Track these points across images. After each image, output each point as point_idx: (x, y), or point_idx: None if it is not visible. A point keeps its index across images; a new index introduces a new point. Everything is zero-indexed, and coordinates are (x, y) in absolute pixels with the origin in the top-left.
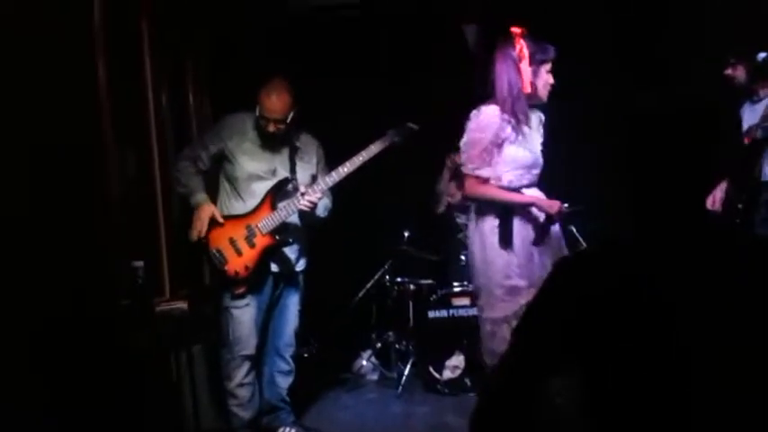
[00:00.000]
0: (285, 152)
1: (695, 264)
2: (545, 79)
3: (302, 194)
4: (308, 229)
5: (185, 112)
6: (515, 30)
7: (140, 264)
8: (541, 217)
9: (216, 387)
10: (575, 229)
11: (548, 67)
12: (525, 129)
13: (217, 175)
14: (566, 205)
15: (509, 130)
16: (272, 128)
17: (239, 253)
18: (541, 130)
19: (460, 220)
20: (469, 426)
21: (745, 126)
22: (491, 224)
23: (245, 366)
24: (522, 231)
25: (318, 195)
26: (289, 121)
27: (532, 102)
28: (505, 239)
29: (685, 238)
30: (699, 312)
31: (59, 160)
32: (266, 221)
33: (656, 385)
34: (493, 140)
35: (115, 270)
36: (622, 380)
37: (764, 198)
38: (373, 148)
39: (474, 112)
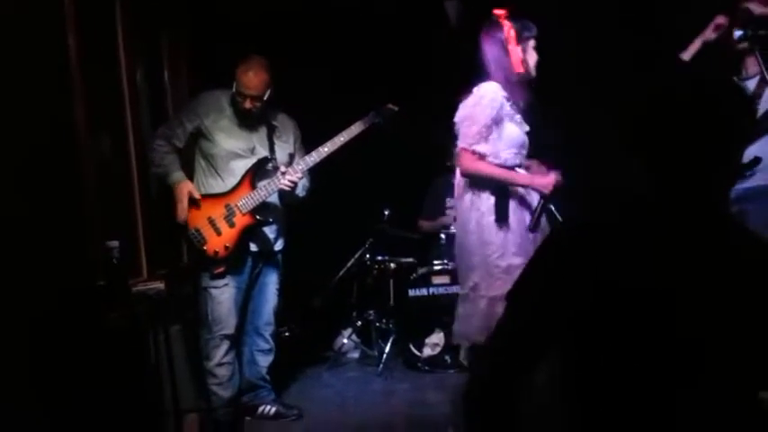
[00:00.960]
0: (263, 131)
1: (686, 242)
2: (533, 56)
3: (282, 174)
4: (287, 208)
5: (161, 90)
6: (499, 12)
7: (116, 244)
8: (536, 198)
9: (195, 367)
10: (553, 207)
11: (533, 43)
12: (519, 107)
13: (192, 152)
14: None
15: (508, 107)
16: (248, 104)
17: (218, 232)
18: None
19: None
20: (464, 402)
21: None
22: (488, 203)
23: (225, 346)
24: (517, 210)
25: (299, 175)
26: (266, 98)
27: (523, 79)
28: (502, 217)
29: (679, 214)
30: (691, 292)
31: (32, 141)
32: (246, 200)
33: (645, 363)
34: (494, 117)
35: (91, 250)
36: (612, 357)
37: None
38: (354, 129)
39: (475, 88)
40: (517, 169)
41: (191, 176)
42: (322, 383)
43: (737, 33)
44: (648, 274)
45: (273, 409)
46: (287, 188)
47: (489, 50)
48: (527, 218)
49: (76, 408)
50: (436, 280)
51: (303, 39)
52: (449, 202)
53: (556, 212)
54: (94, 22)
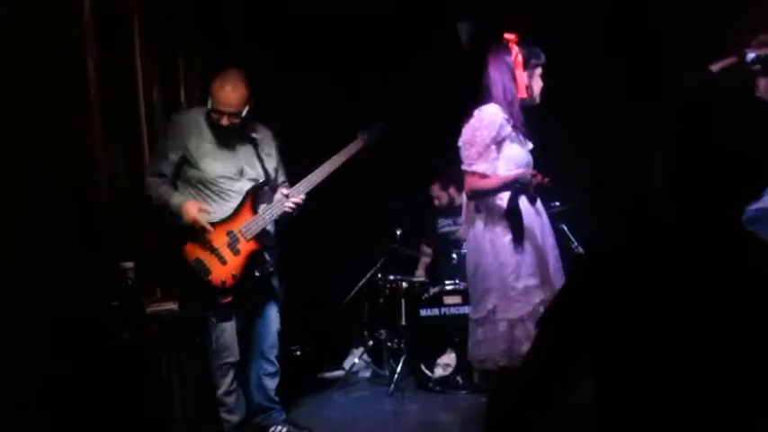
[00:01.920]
0: (247, 148)
1: (713, 262)
2: (539, 83)
3: (286, 196)
4: (281, 228)
5: (176, 108)
6: (509, 36)
7: (130, 265)
8: (546, 218)
9: (206, 388)
10: (566, 228)
11: (540, 71)
12: (521, 129)
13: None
14: (557, 203)
15: (509, 128)
16: (225, 122)
17: (223, 261)
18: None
19: (446, 226)
20: (492, 424)
21: None
22: (501, 224)
23: (231, 374)
24: (530, 231)
25: (303, 197)
26: (244, 114)
27: (526, 104)
28: (518, 238)
29: (704, 235)
30: (717, 311)
31: (48, 160)
32: (249, 226)
33: (673, 382)
34: (494, 138)
35: (105, 271)
36: (644, 380)
37: None
38: (352, 147)
39: (476, 111)
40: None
41: None
42: (333, 403)
43: (750, 56)
44: (677, 297)
45: (285, 430)
46: (291, 211)
47: (495, 73)
48: (540, 239)
49: (88, 427)
50: (448, 300)
51: (311, 51)
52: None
53: (570, 234)
54: (112, 40)
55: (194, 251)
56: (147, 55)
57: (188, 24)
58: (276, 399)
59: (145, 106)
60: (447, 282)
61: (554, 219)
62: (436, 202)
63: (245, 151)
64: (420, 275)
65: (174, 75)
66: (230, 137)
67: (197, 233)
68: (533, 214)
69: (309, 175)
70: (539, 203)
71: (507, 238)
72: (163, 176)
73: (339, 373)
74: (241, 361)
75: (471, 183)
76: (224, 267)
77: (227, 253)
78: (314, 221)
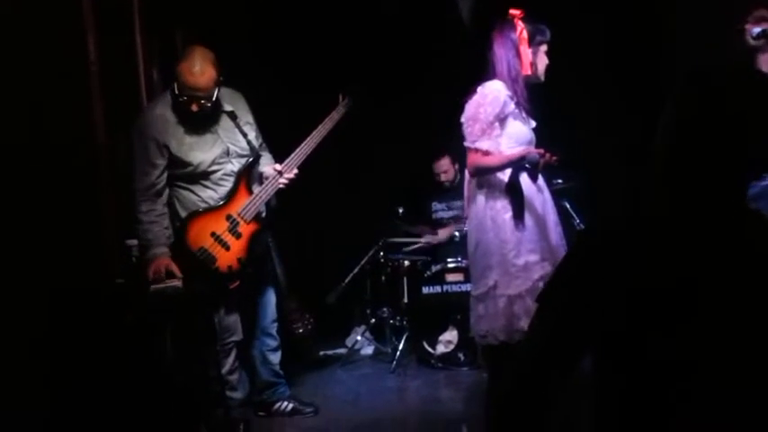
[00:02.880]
0: (226, 123)
1: (715, 242)
2: (544, 60)
3: (279, 173)
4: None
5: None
6: (515, 12)
7: (134, 242)
8: (548, 195)
9: (209, 367)
10: (568, 205)
11: (545, 48)
12: (525, 106)
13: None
14: (559, 180)
15: (512, 105)
16: (194, 107)
17: (227, 247)
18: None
19: (440, 211)
20: (495, 406)
21: None
22: (503, 201)
23: (234, 353)
24: (531, 207)
25: (296, 171)
26: (215, 98)
27: (531, 81)
28: (519, 215)
29: (704, 216)
30: (720, 293)
31: (51, 141)
32: (248, 208)
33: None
34: (498, 115)
35: (109, 249)
36: (644, 360)
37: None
38: (335, 115)
39: (480, 87)
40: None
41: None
42: (336, 380)
43: (755, 30)
44: (676, 274)
45: (290, 406)
46: (284, 187)
47: (500, 49)
48: (541, 215)
49: (92, 405)
50: (450, 277)
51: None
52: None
53: (572, 212)
54: (112, 23)
55: (197, 240)
56: (147, 36)
57: (186, 4)
58: (281, 373)
59: (146, 87)
60: (449, 260)
61: (557, 196)
62: (443, 177)
63: (225, 128)
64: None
65: (174, 56)
66: (205, 119)
67: (197, 222)
68: (535, 191)
69: (298, 149)
70: (540, 180)
71: (508, 214)
72: (157, 202)
73: (342, 350)
74: (243, 339)
75: (474, 160)
76: (229, 253)
77: (229, 238)
78: (316, 200)
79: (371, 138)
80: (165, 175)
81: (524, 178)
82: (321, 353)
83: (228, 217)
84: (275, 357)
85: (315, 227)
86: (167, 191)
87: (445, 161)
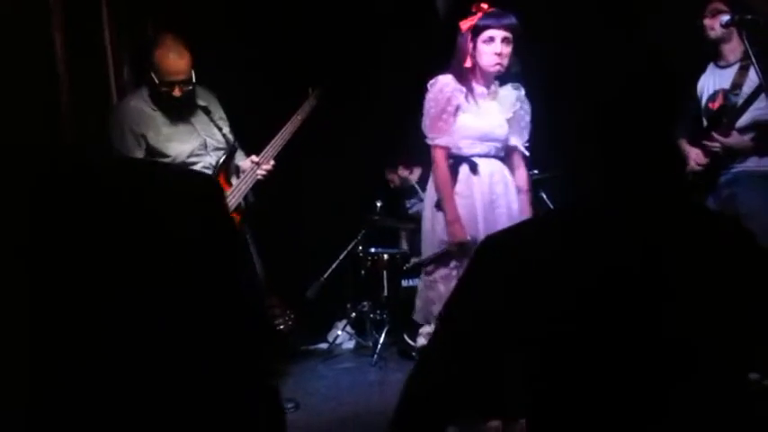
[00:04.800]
0: (200, 118)
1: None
2: (488, 52)
3: (257, 164)
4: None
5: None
6: (479, 6)
7: None
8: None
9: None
10: (545, 196)
11: (500, 35)
12: (481, 99)
13: None
14: (535, 171)
15: (462, 98)
16: (177, 92)
17: None
18: (517, 104)
19: (414, 206)
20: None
21: (711, 90)
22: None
23: None
24: (463, 199)
25: (273, 162)
26: (194, 80)
27: (483, 72)
28: (438, 204)
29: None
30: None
31: (18, 137)
32: (228, 199)
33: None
34: (444, 108)
35: None
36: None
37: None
38: (306, 106)
39: (431, 81)
40: (478, 160)
41: None
42: (317, 375)
43: (724, 18)
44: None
45: None
46: (263, 178)
47: (459, 39)
48: (479, 204)
49: None
50: None
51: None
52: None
53: (548, 201)
54: (81, 15)
55: None
56: (116, 29)
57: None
58: None
59: (115, 80)
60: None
61: (533, 186)
62: (391, 186)
63: (201, 122)
64: (404, 247)
65: (145, 48)
66: (183, 109)
67: None
68: (474, 182)
69: (273, 140)
70: (481, 169)
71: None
72: None
73: (323, 345)
74: None
75: (434, 157)
76: None
77: None
78: (294, 195)
79: (347, 131)
80: None
81: (464, 169)
82: (302, 348)
83: None
84: None
85: (293, 222)
86: None
87: (387, 172)
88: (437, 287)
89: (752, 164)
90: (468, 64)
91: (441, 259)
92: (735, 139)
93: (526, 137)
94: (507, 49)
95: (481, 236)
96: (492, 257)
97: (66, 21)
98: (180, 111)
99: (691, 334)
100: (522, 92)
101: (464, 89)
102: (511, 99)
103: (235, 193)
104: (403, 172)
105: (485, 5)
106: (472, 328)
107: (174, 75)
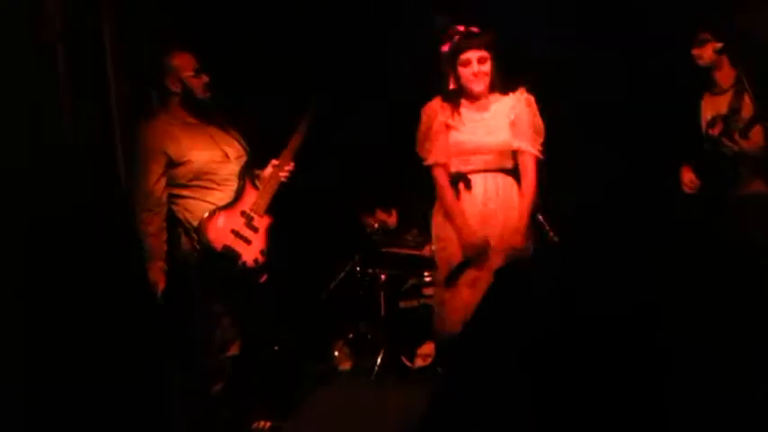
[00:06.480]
0: (215, 130)
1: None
2: (466, 72)
3: (276, 166)
4: None
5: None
6: (455, 28)
7: None
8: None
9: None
10: (542, 219)
11: (466, 59)
12: (470, 115)
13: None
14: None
15: (449, 117)
16: (205, 79)
17: (248, 241)
18: (518, 108)
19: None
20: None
21: (708, 117)
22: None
23: (230, 368)
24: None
25: (293, 163)
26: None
27: (466, 93)
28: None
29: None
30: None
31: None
32: (258, 203)
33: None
34: (430, 129)
35: None
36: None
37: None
38: (312, 111)
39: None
40: (472, 176)
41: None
42: (314, 396)
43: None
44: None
45: (268, 425)
46: (285, 179)
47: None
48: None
49: None
50: (426, 291)
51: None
52: None
53: (546, 224)
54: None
55: (219, 239)
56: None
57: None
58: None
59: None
60: (425, 273)
61: None
62: (368, 230)
63: (216, 133)
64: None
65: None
66: (208, 105)
67: (214, 222)
68: (466, 200)
69: (289, 144)
70: (475, 186)
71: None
72: (152, 195)
73: (320, 366)
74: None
75: (433, 177)
76: (250, 247)
77: (248, 233)
78: (290, 214)
79: (347, 149)
80: (163, 182)
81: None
82: (298, 369)
83: (243, 213)
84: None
85: (290, 240)
86: (166, 206)
87: (379, 214)
88: (460, 293)
89: (758, 187)
90: (452, 86)
91: (461, 269)
92: (748, 144)
93: (539, 138)
94: (485, 68)
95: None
96: (508, 284)
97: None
98: (207, 100)
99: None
100: (527, 96)
101: (451, 108)
102: (508, 105)
103: (264, 195)
104: (381, 215)
105: (460, 27)
106: (488, 350)
107: (194, 65)
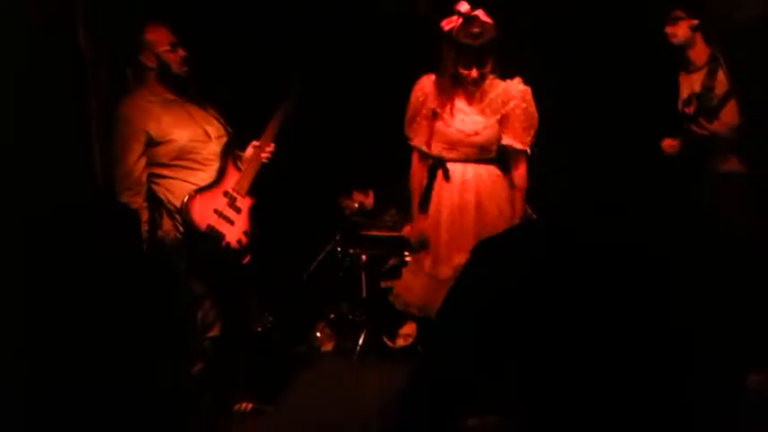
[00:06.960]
0: (195, 109)
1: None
2: (461, 65)
3: (257, 147)
4: None
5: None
6: (458, 5)
7: None
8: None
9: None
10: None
11: (468, 57)
12: (460, 105)
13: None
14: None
15: (437, 103)
16: (181, 53)
17: (231, 222)
18: (511, 103)
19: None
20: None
21: (684, 95)
22: None
23: (211, 349)
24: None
25: (274, 144)
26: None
27: (458, 79)
28: (423, 204)
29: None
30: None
31: None
32: (241, 183)
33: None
34: (417, 109)
35: None
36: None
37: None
38: (292, 93)
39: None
40: (450, 165)
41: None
42: (296, 377)
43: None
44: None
45: (250, 406)
46: (267, 161)
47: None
48: (449, 209)
49: None
50: None
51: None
52: None
53: (528, 206)
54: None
55: (203, 219)
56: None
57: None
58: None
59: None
60: (406, 253)
61: None
62: (347, 212)
63: (195, 112)
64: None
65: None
66: (186, 81)
67: (197, 202)
68: (443, 187)
69: (269, 125)
70: (453, 175)
71: None
72: (132, 174)
73: (301, 347)
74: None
75: (414, 159)
76: (234, 227)
77: (231, 213)
78: (270, 196)
79: (325, 131)
80: (143, 162)
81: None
82: (280, 350)
83: (226, 193)
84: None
85: (270, 222)
86: (146, 186)
87: (357, 195)
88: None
89: (734, 165)
90: (451, 69)
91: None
92: (719, 125)
93: (531, 131)
94: (484, 68)
95: (444, 240)
96: (484, 260)
97: None
98: (182, 85)
99: (683, 330)
100: (523, 88)
101: (443, 95)
102: (501, 99)
103: (246, 176)
104: (358, 196)
105: (463, 7)
106: (467, 326)
107: (170, 40)
